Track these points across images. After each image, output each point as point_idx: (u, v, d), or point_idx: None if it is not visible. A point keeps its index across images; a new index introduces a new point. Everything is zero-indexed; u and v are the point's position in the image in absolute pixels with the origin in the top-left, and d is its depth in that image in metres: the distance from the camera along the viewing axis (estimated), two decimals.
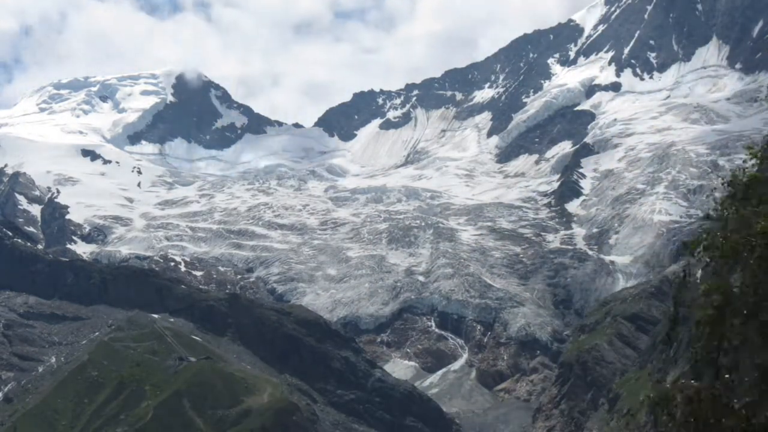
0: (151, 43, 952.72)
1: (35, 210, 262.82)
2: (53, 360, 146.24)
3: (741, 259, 14.51)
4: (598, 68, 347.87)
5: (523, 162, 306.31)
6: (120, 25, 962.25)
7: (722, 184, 15.15)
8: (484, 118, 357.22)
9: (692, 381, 15.10)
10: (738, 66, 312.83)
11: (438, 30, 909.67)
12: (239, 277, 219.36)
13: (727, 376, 14.81)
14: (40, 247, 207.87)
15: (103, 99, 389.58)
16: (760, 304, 14.35)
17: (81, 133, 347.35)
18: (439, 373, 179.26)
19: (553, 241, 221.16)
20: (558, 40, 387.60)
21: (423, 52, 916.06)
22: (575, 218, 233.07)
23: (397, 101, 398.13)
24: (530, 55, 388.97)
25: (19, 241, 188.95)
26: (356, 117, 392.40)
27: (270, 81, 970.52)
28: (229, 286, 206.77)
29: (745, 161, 15.29)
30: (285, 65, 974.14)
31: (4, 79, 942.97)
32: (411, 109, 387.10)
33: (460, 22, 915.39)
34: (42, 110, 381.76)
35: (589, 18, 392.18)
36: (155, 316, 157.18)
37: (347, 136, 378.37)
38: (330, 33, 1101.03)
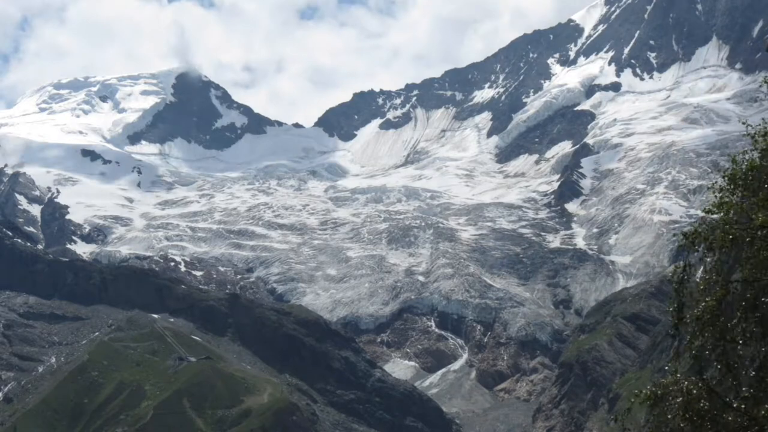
0: (152, 30, 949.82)
1: (35, 210, 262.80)
2: (53, 360, 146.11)
3: (740, 252, 14.49)
4: (598, 68, 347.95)
5: (523, 162, 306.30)
6: (120, 12, 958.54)
7: (723, 177, 15.11)
8: (484, 118, 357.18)
9: (692, 377, 15.07)
10: (738, 66, 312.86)
11: (442, 14, 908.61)
12: (239, 277, 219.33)
13: (726, 371, 14.78)
14: (40, 247, 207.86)
15: (103, 99, 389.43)
16: (759, 298, 14.33)
17: (81, 133, 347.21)
18: (439, 373, 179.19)
19: (553, 241, 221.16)
20: (558, 40, 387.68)
21: (427, 37, 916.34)
22: (575, 218, 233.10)
23: (397, 101, 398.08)
24: (530, 55, 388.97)
25: (19, 241, 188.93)
26: (356, 117, 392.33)
27: (274, 67, 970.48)
28: (229, 286, 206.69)
29: (748, 150, 15.27)
30: (289, 51, 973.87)
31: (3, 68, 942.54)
32: (411, 109, 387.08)
33: (464, 6, 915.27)
34: (42, 110, 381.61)
35: (589, 18, 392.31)
36: (155, 316, 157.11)
37: (347, 136, 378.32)
38: (335, 18, 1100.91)
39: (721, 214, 15.02)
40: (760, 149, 15.15)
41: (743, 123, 16.55)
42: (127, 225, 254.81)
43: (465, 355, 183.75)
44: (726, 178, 15.03)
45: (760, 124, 15.61)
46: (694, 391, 14.69)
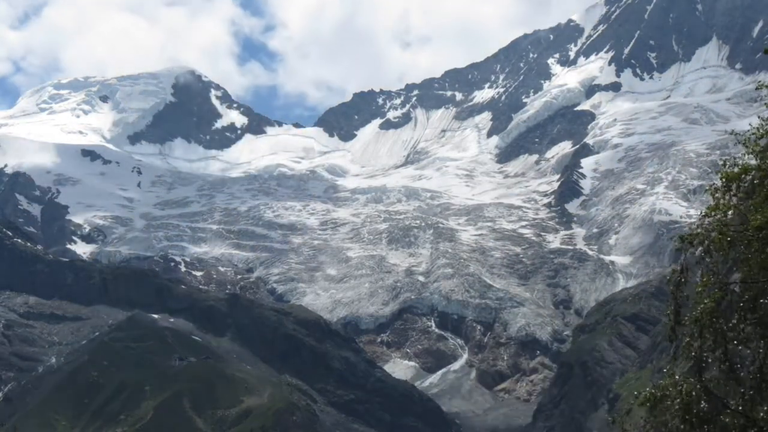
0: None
1: (35, 210, 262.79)
2: (53, 360, 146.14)
3: (738, 254, 14.51)
4: (598, 68, 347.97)
5: (523, 162, 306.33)
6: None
7: (720, 178, 15.14)
8: (484, 118, 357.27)
9: (690, 378, 15.10)
10: (738, 66, 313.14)
11: None
12: (239, 277, 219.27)
13: (728, 372, 14.80)
14: (40, 247, 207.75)
15: (103, 99, 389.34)
16: (757, 299, 14.34)
17: (81, 133, 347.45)
18: (439, 373, 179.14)
19: (553, 241, 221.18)
20: (558, 40, 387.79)
21: None
22: (575, 218, 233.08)
23: (397, 101, 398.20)
24: (530, 55, 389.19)
25: (19, 241, 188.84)
26: (356, 117, 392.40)
27: None
28: (229, 286, 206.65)
29: (744, 153, 15.29)
30: None
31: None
32: (411, 109, 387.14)
33: None
34: (42, 110, 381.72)
35: (589, 18, 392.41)
36: (155, 316, 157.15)
37: (347, 136, 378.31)
38: None
39: (718, 215, 15.04)
40: (756, 152, 15.17)
41: (730, 133, 16.59)
42: (127, 225, 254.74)
43: (465, 355, 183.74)
44: (722, 180, 15.06)
45: (749, 129, 15.64)
46: (693, 393, 14.72)
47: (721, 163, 15.34)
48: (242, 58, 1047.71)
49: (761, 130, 15.22)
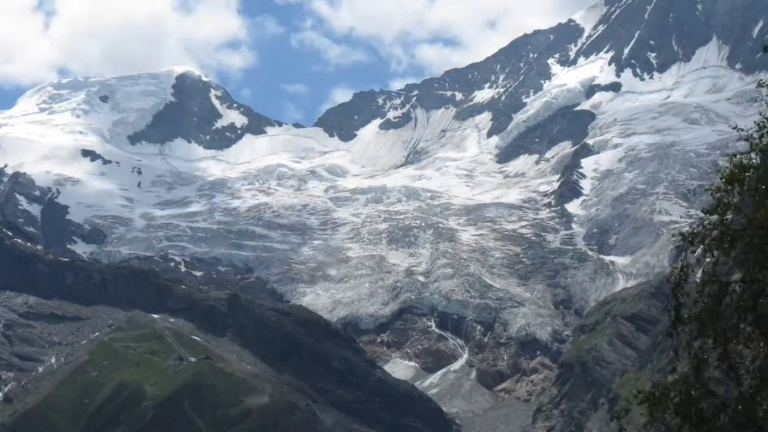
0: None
1: (35, 210, 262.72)
2: (53, 360, 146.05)
3: (738, 252, 14.51)
4: (598, 68, 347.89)
5: (523, 162, 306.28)
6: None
7: (721, 179, 15.13)
8: (484, 118, 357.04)
9: (690, 377, 15.09)
10: (738, 66, 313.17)
11: None
12: (239, 277, 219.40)
13: (724, 371, 14.80)
14: (40, 247, 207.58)
15: (103, 99, 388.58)
16: (757, 297, 14.34)
17: (81, 133, 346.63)
18: (439, 373, 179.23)
19: (553, 241, 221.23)
20: (558, 40, 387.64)
21: None
22: (575, 218, 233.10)
23: (397, 101, 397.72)
24: (530, 55, 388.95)
25: (19, 241, 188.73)
26: (356, 117, 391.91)
27: None
28: (229, 286, 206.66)
29: (752, 146, 15.26)
30: None
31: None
32: (411, 109, 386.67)
33: None
34: (42, 110, 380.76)
35: (589, 18, 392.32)
36: (155, 316, 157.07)
37: (347, 136, 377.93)
38: None
39: (719, 214, 15.03)
40: (759, 149, 15.16)
41: (734, 128, 16.57)
42: (127, 225, 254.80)
43: (465, 355, 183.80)
44: (723, 179, 15.05)
45: (753, 127, 15.61)
46: (692, 392, 14.71)
47: (725, 160, 15.32)
48: (249, 11, 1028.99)
49: (764, 128, 15.20)
